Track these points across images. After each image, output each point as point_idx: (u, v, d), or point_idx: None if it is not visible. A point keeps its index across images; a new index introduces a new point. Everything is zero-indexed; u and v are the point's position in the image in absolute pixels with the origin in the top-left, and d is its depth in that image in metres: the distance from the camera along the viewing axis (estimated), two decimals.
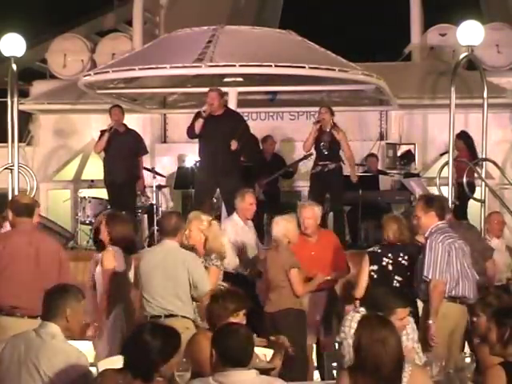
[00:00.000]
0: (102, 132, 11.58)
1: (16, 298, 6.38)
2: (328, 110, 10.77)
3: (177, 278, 6.69)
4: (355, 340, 4.21)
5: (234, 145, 10.11)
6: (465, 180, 10.33)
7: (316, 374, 8.20)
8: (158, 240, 7.91)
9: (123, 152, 11.33)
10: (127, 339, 4.30)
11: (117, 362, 4.35)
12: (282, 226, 7.63)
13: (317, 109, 12.02)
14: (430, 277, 6.79)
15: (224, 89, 10.88)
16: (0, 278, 6.47)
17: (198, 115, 10.28)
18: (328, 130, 10.69)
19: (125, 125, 11.69)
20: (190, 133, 10.40)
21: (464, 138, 11.43)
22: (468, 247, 7.12)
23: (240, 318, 5.49)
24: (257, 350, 5.36)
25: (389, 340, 4.13)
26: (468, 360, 6.87)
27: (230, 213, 9.55)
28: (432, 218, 7.01)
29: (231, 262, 8.30)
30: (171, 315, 6.63)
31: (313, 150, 10.95)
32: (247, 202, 8.71)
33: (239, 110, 11.25)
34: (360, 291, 7.56)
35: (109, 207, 11.83)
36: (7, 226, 7.44)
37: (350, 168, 10.95)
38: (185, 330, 5.88)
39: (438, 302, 6.81)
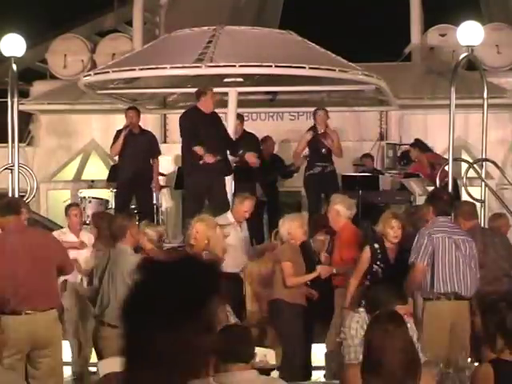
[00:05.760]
0: (118, 132, 11.36)
1: (16, 298, 6.36)
2: (326, 112, 10.78)
3: (122, 284, 6.66)
4: (365, 336, 4.23)
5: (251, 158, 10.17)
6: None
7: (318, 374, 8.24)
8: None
9: (137, 154, 11.13)
10: None
11: (118, 362, 4.34)
12: (286, 224, 7.97)
13: None
14: (412, 260, 6.98)
15: (224, 89, 10.88)
16: None
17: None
18: (323, 131, 10.70)
19: (140, 126, 11.50)
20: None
21: (419, 145, 11.44)
22: (473, 244, 7.11)
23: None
24: (256, 349, 5.37)
25: (398, 334, 4.12)
26: (468, 360, 6.89)
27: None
28: (429, 211, 7.21)
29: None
30: None
31: (307, 151, 10.96)
32: (245, 207, 8.67)
33: (239, 111, 11.27)
34: None
35: (109, 207, 11.83)
36: None
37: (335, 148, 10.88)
38: None
39: (414, 282, 7.01)
